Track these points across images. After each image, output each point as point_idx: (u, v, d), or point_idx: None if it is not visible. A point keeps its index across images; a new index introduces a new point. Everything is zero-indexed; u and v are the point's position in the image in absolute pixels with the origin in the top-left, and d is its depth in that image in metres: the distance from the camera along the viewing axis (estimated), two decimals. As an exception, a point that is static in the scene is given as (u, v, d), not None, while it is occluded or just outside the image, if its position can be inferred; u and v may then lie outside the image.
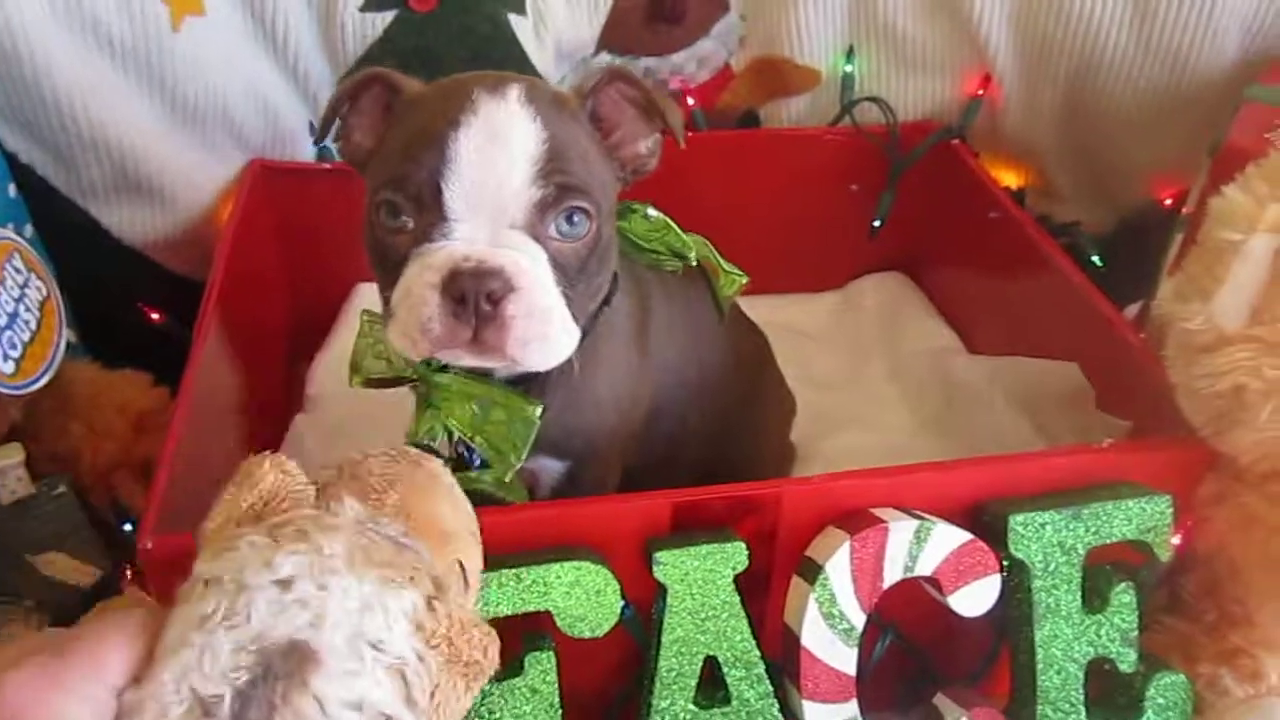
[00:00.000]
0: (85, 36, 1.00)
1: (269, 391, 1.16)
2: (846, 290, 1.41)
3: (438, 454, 0.72)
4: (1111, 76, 1.19)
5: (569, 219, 0.70)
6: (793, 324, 1.32)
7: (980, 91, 1.28)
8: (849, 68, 1.29)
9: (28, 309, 0.88)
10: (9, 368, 0.84)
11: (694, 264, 0.86)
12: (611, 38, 1.25)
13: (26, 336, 0.87)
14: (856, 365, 1.31)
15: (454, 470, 0.79)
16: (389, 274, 0.72)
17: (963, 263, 1.32)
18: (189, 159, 1.12)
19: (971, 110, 1.29)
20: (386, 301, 0.72)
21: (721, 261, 0.89)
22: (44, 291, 0.91)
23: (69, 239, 1.09)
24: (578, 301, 0.73)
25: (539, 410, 0.77)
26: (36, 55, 0.97)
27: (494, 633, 0.57)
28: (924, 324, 1.33)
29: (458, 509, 0.62)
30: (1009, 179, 1.34)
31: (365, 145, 0.77)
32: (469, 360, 0.72)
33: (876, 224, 1.34)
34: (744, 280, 0.90)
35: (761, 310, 1.08)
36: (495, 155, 0.68)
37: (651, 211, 0.83)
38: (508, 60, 1.18)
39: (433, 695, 0.53)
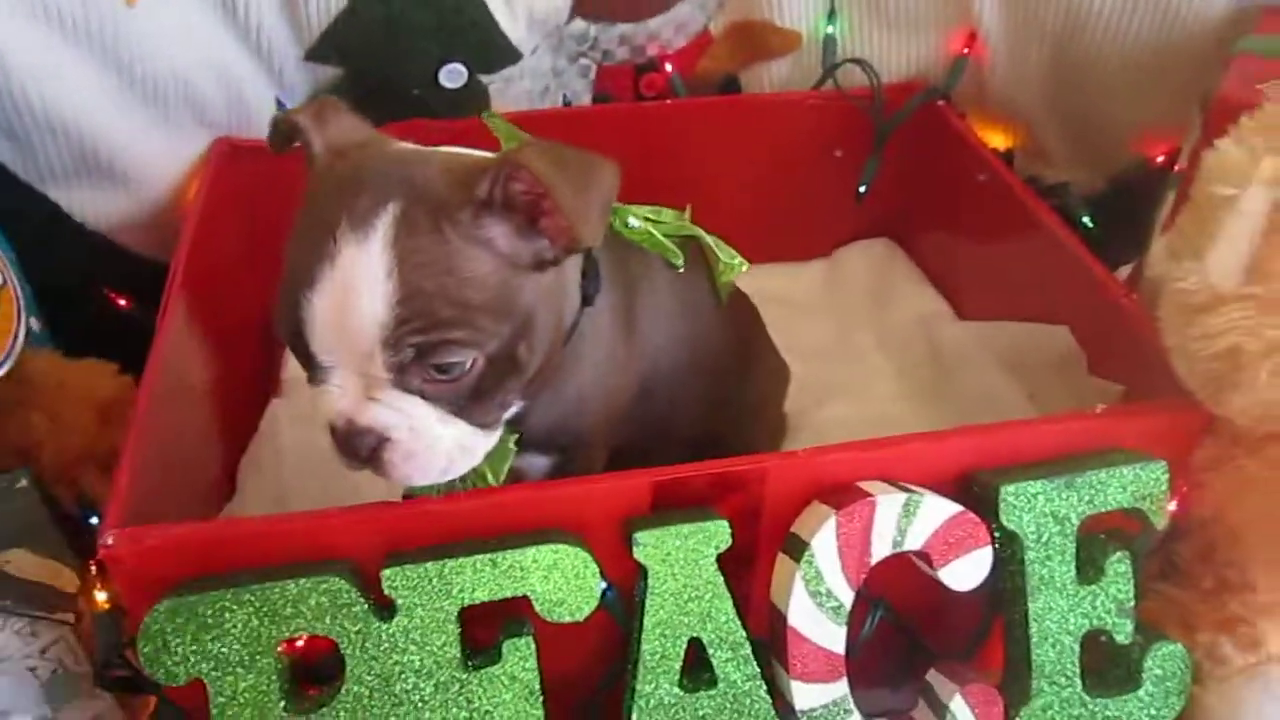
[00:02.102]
0: (35, 14, 0.96)
1: (242, 377, 1.13)
2: (833, 258, 1.38)
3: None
4: (1099, 31, 1.16)
5: (438, 368, 0.67)
6: (779, 293, 1.29)
7: (966, 50, 1.24)
8: (830, 29, 1.26)
9: (-17, 298, 0.85)
10: (-36, 358, 0.82)
11: (681, 268, 0.83)
12: (585, 3, 1.22)
13: (-18, 326, 0.84)
14: (845, 334, 1.29)
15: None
16: None
17: (951, 227, 1.29)
18: (151, 139, 1.09)
19: (957, 70, 1.25)
20: None
21: (719, 249, 0.87)
22: (1, 280, 0.88)
23: (29, 224, 1.06)
24: (495, 398, 0.70)
25: (515, 438, 0.76)
26: (-14, 35, 0.94)
27: None
28: (913, 290, 1.30)
29: None
30: (996, 140, 1.31)
31: None
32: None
33: (862, 189, 1.31)
34: (743, 269, 0.88)
35: (747, 280, 1.04)
36: (345, 321, 0.65)
37: (633, 221, 0.79)
38: (478, 29, 1.15)
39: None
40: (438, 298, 0.65)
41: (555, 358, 0.76)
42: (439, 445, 0.69)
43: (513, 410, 0.75)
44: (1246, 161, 0.74)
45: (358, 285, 0.64)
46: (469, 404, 0.69)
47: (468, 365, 0.67)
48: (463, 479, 0.72)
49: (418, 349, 0.65)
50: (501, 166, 0.66)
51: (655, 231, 0.81)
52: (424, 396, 0.68)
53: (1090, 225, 1.23)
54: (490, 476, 0.74)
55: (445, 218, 0.66)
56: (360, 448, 0.68)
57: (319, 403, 0.69)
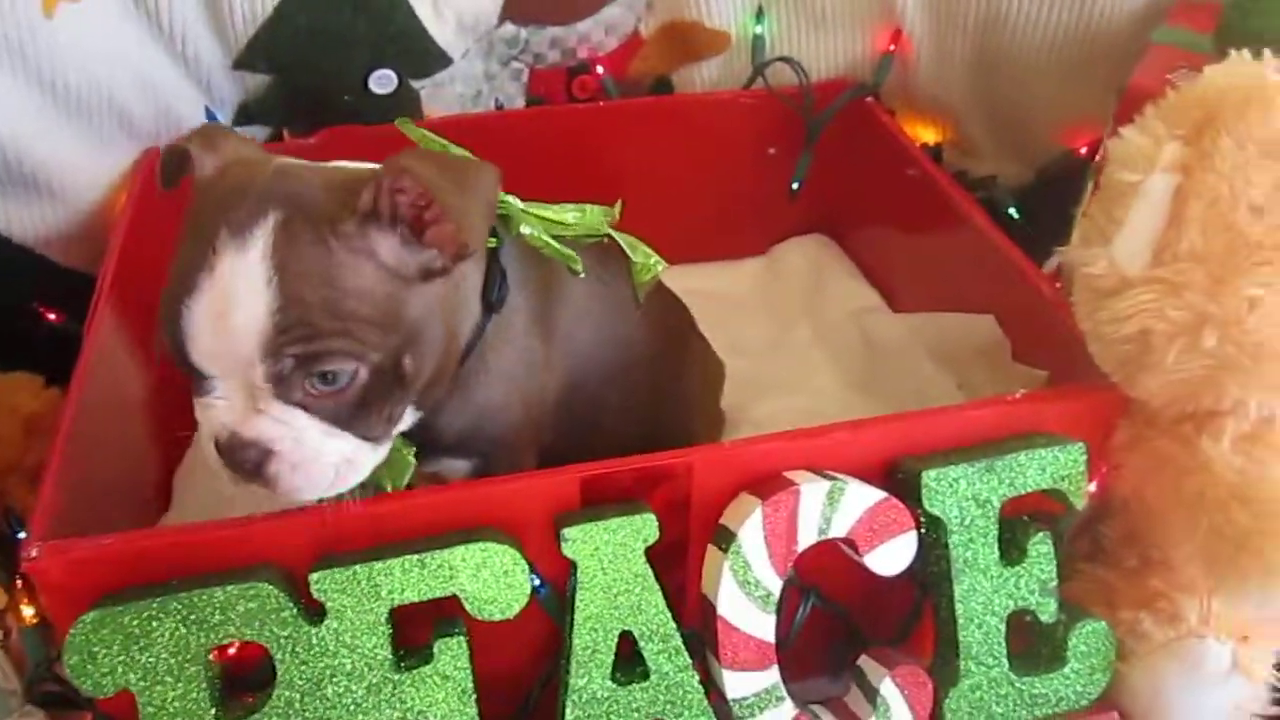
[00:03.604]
0: (-50, 26, 0.95)
1: (176, 387, 1.12)
2: (769, 255, 1.40)
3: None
4: (1019, 24, 1.18)
5: (320, 378, 0.66)
6: (716, 291, 1.30)
7: (891, 47, 1.26)
8: (759, 29, 1.27)
9: (-97, 314, 0.84)
10: (-117, 375, 0.81)
11: (580, 274, 0.82)
12: (514, 7, 1.22)
13: (-98, 342, 0.83)
14: (782, 330, 1.30)
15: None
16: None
17: (883, 222, 1.31)
18: (77, 151, 1.07)
19: (884, 67, 1.27)
20: None
21: (635, 250, 0.87)
22: (-79, 295, 0.87)
23: (-47, 238, 1.05)
24: (381, 411, 0.70)
25: (414, 451, 0.76)
26: (-98, 49, 0.93)
27: None
28: (847, 285, 1.32)
29: None
30: (926, 135, 1.33)
31: None
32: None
33: (795, 186, 1.33)
34: (659, 268, 0.88)
35: (684, 279, 1.06)
36: (224, 330, 0.65)
37: (525, 229, 0.79)
38: (407, 35, 1.15)
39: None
40: (318, 308, 0.65)
41: (451, 369, 0.75)
42: (323, 458, 0.68)
43: (409, 422, 0.75)
44: (1150, 148, 0.75)
45: (236, 293, 0.64)
46: (353, 416, 0.68)
47: (351, 375, 0.67)
48: (363, 488, 0.72)
49: (297, 359, 0.65)
50: (384, 174, 0.66)
51: (550, 239, 0.80)
52: (307, 409, 0.67)
53: (1017, 217, 1.26)
54: (389, 488, 0.74)
55: (329, 229, 0.66)
56: (244, 461, 0.67)
57: (203, 416, 0.69)
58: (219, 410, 0.68)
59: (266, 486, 0.69)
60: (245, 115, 1.18)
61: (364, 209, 0.66)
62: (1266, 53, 0.77)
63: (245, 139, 0.77)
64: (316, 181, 0.69)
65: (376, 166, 0.70)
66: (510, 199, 0.79)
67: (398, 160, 0.66)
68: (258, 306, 0.64)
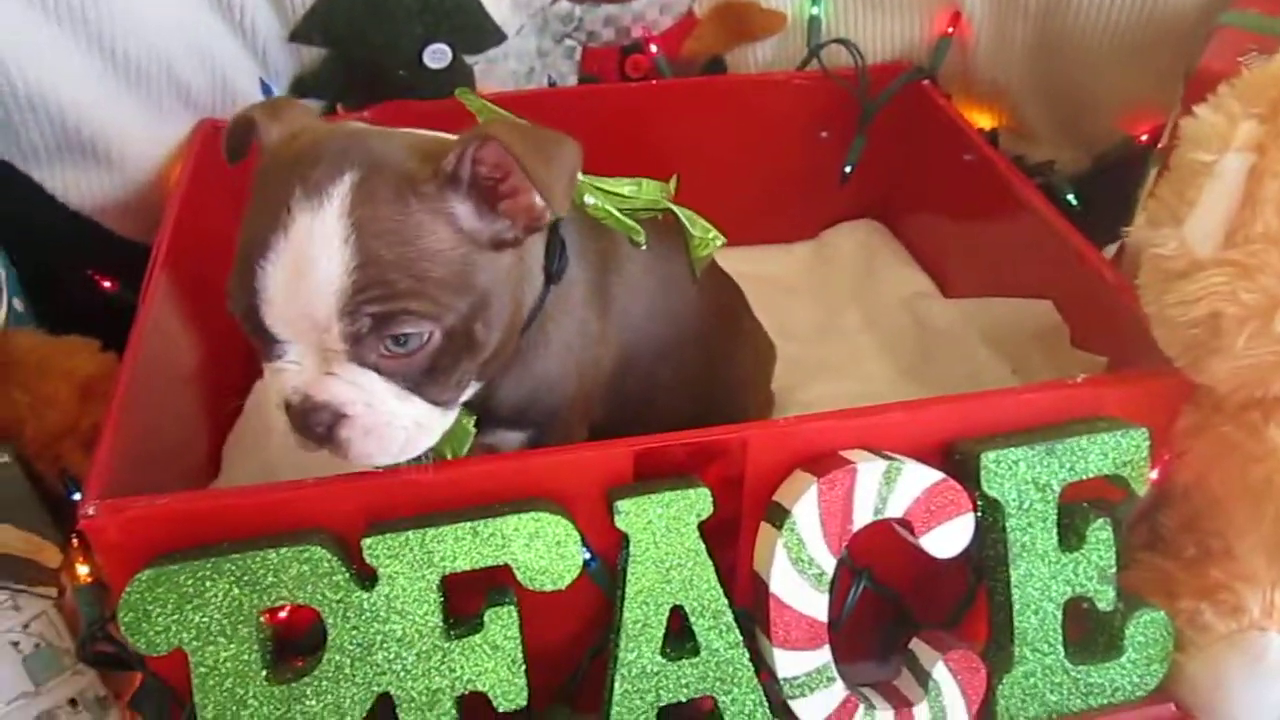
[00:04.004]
0: (16, -9, 0.96)
1: (228, 358, 1.13)
2: (820, 239, 1.38)
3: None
4: (1081, 8, 1.16)
5: (394, 340, 0.66)
6: (766, 275, 1.29)
7: (950, 30, 1.25)
8: (815, 10, 1.26)
9: (-37, 275, 0.85)
10: (-55, 334, 0.81)
11: (642, 246, 0.82)
12: (569, -17, 1.22)
13: (-37, 302, 0.84)
14: (832, 315, 1.29)
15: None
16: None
17: (936, 207, 1.29)
18: (135, 120, 1.08)
19: (941, 50, 1.26)
20: None
21: (694, 223, 0.87)
22: (-19, 257, 0.88)
23: (11, 205, 1.05)
24: (451, 376, 0.69)
25: (474, 420, 0.75)
26: (-34, 13, 0.94)
27: None
28: (899, 271, 1.30)
29: None
30: (982, 120, 1.31)
31: None
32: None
33: (847, 170, 1.31)
34: (718, 243, 0.87)
35: (734, 262, 1.05)
36: (300, 289, 0.64)
37: (589, 198, 0.79)
38: (463, 10, 1.15)
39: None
40: (396, 267, 0.65)
41: (514, 340, 0.75)
42: (396, 421, 0.68)
43: (471, 390, 0.74)
44: (1225, 127, 0.74)
45: (313, 252, 0.63)
46: (425, 380, 0.68)
47: (424, 338, 0.66)
48: (421, 459, 0.71)
49: (374, 319, 0.64)
50: (471, 139, 0.66)
51: (614, 210, 0.80)
52: (380, 372, 0.67)
53: (1075, 203, 1.24)
54: (449, 457, 0.74)
55: (410, 188, 0.66)
56: (316, 424, 0.67)
57: (274, 381, 0.68)
58: (290, 374, 0.67)
59: (336, 452, 0.68)
60: (300, 88, 1.18)
61: (447, 172, 0.66)
62: (1348, 31, 0.75)
63: (310, 109, 0.77)
64: (397, 144, 0.69)
65: (455, 136, 0.70)
66: None
67: (485, 128, 0.66)
68: (335, 265, 0.63)
